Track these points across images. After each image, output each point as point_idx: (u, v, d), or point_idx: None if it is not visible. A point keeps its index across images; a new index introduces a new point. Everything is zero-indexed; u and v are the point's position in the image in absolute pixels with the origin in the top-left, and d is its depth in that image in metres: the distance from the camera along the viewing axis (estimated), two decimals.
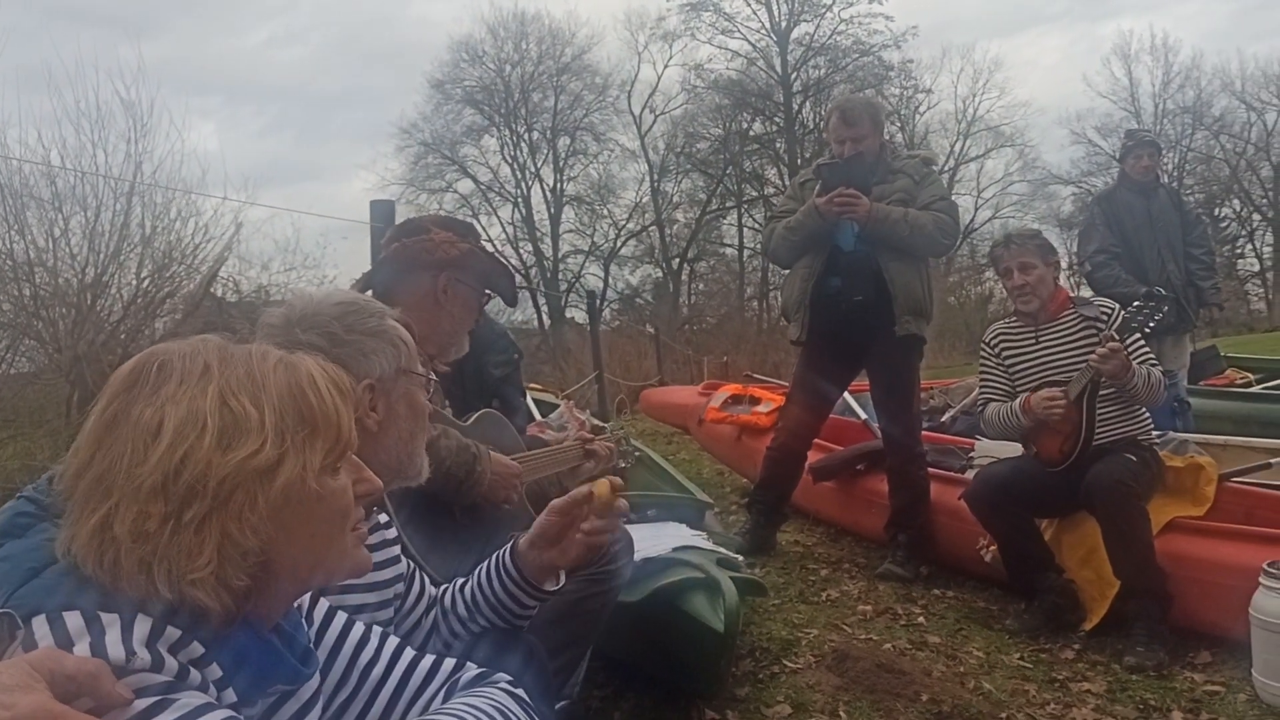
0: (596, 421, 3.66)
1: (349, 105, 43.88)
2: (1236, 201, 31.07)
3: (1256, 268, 30.95)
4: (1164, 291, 3.47)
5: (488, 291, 2.49)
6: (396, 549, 1.61)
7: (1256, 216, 30.91)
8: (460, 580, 1.70)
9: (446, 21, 51.59)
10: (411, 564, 1.66)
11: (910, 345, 4.01)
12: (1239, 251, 31.10)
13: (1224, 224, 30.80)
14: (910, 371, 4.11)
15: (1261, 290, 30.52)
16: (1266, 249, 30.66)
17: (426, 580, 1.68)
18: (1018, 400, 3.47)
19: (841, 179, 3.85)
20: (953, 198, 4.21)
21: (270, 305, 1.65)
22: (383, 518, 1.60)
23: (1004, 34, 46.74)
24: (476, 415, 2.46)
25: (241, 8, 40.75)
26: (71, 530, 0.94)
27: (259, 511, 0.95)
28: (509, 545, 1.66)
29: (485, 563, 1.67)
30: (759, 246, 30.61)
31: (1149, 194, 5.37)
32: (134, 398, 0.96)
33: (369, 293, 2.39)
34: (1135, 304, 3.38)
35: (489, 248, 2.57)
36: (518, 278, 30.07)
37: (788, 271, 4.25)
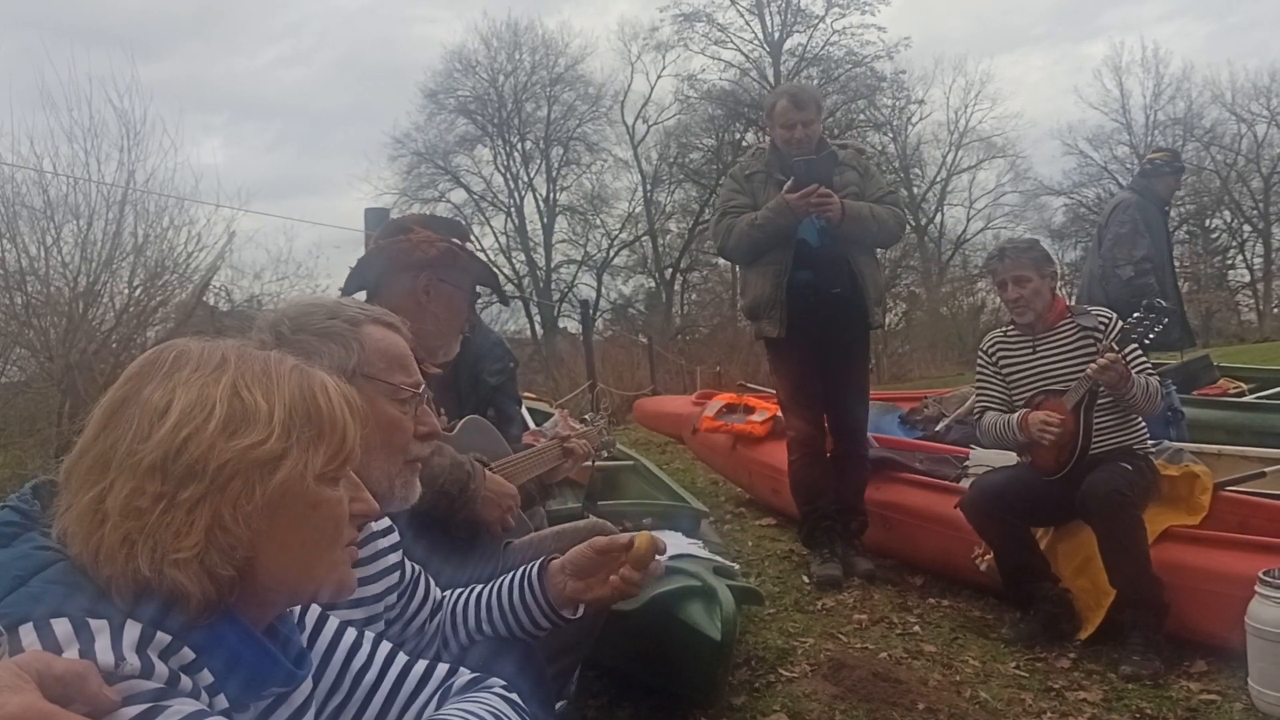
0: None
1: (350, 122, 44.49)
2: (1227, 213, 31.15)
3: (1247, 278, 31.07)
4: (1164, 303, 3.47)
5: (478, 289, 2.47)
6: (392, 559, 1.58)
7: (1247, 228, 31.00)
8: (476, 587, 1.68)
9: (446, 40, 52.01)
10: (414, 569, 1.64)
11: (869, 336, 4.25)
12: (1229, 263, 31.27)
13: (1214, 235, 30.96)
14: (867, 362, 4.35)
15: (1252, 301, 30.60)
16: (1257, 260, 30.77)
17: (431, 584, 1.66)
18: (1016, 416, 3.47)
19: (814, 175, 3.88)
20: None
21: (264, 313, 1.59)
22: (380, 525, 1.57)
23: (990, 54, 47.29)
24: (461, 422, 2.45)
25: (249, 31, 41.48)
26: (66, 508, 0.94)
27: (255, 502, 0.95)
28: (539, 561, 1.65)
29: (509, 574, 1.65)
30: None
31: (1165, 213, 5.49)
32: (145, 381, 0.97)
33: (363, 295, 2.38)
34: (1135, 315, 3.38)
35: (472, 246, 2.54)
36: (510, 288, 30.10)
37: (744, 269, 4.21)
